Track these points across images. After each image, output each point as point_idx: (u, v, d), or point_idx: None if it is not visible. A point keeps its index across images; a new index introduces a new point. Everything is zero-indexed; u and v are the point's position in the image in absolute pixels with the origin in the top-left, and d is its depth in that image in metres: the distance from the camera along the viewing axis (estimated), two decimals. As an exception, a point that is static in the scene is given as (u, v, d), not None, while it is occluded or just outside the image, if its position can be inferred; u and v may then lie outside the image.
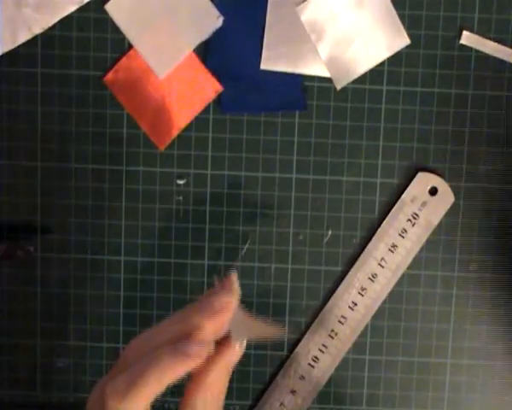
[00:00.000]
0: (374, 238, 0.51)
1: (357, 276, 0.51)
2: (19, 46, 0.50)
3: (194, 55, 0.50)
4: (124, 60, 0.50)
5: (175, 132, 0.50)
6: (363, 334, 0.52)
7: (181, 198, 0.51)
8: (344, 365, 0.52)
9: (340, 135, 0.50)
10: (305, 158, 0.51)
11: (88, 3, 0.49)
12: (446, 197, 0.51)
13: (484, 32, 0.50)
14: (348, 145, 0.50)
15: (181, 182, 0.51)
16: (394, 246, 0.51)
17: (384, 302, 0.51)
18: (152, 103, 0.50)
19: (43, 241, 0.51)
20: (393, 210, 0.51)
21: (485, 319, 0.51)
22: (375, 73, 0.50)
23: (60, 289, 0.52)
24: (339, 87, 0.50)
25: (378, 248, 0.51)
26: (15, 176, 0.51)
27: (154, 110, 0.50)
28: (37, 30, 0.49)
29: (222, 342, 0.37)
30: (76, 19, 0.50)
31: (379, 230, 0.51)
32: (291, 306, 0.52)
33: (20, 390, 0.52)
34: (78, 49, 0.50)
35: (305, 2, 0.49)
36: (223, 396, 0.38)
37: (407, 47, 0.50)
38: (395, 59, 0.50)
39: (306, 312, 0.52)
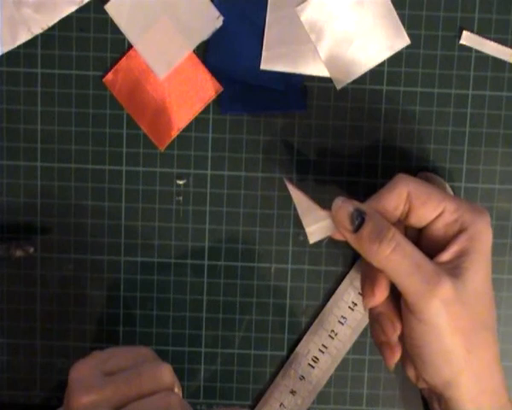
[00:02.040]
0: (374, 238, 0.51)
1: (357, 276, 0.51)
2: (19, 46, 0.50)
3: (194, 55, 0.50)
4: (123, 60, 0.50)
5: (175, 132, 0.50)
6: (363, 334, 0.52)
7: (181, 198, 0.51)
8: (344, 365, 0.52)
9: (339, 135, 0.50)
10: (304, 158, 0.51)
11: (88, 3, 0.49)
12: (446, 197, 0.51)
13: (484, 32, 0.50)
14: (348, 146, 0.50)
15: (181, 182, 0.51)
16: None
17: (384, 302, 0.51)
18: (152, 103, 0.50)
19: (43, 241, 0.51)
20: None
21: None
22: (375, 74, 0.50)
23: (60, 289, 0.52)
24: (339, 87, 0.50)
25: (378, 248, 0.51)
26: (15, 176, 0.51)
27: (154, 110, 0.50)
28: (37, 30, 0.49)
29: None
30: (76, 19, 0.50)
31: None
32: (291, 306, 0.52)
33: (20, 390, 0.52)
34: (78, 49, 0.50)
35: (305, 3, 0.49)
36: None
37: (407, 47, 0.50)
38: (395, 59, 0.50)
39: (306, 312, 0.52)
